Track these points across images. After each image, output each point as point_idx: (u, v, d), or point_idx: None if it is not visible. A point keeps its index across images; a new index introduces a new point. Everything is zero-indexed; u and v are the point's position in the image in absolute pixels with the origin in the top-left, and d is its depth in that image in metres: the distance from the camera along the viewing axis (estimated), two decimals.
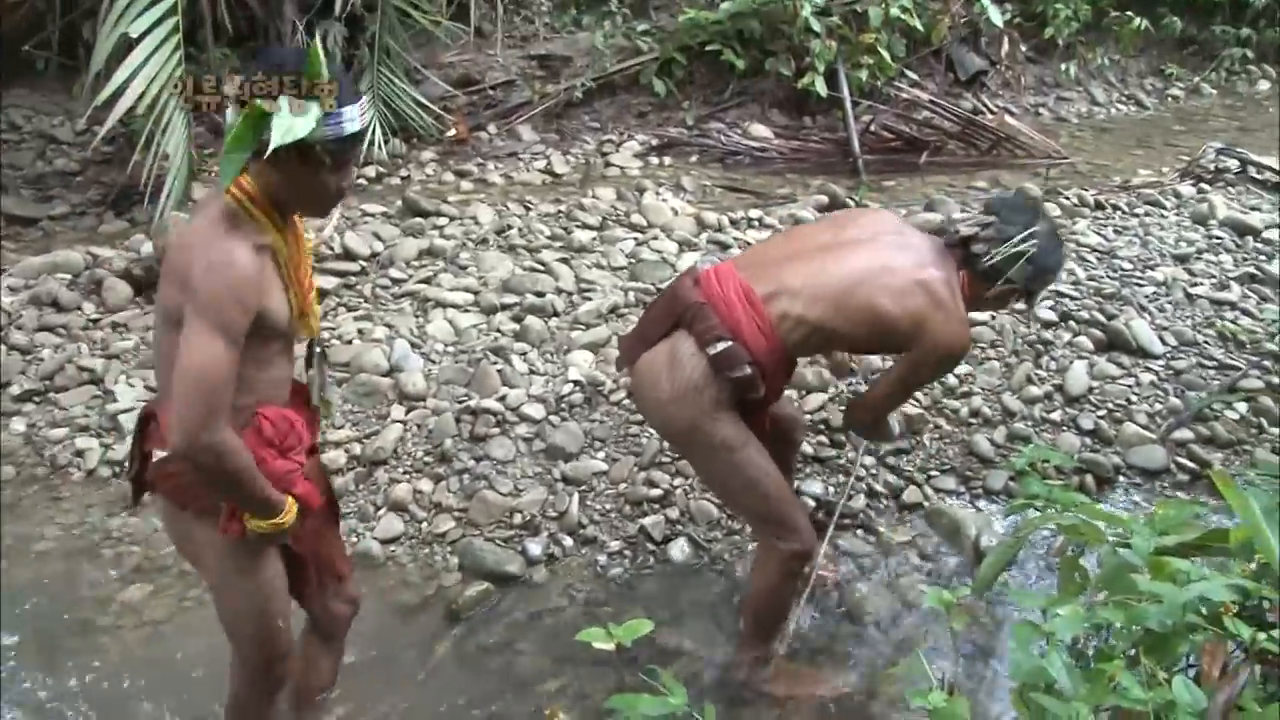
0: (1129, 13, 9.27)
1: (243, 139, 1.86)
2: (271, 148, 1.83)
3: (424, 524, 3.52)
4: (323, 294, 4.55)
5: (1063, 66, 9.14)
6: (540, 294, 4.64)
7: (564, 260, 5.04)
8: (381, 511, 3.55)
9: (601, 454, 3.77)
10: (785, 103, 7.78)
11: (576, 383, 4.02)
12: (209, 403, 1.91)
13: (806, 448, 3.76)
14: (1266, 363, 4.29)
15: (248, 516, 2.07)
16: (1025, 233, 2.71)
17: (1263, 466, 3.65)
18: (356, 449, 3.78)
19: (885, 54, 7.48)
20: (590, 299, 4.65)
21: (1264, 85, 9.86)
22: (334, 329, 4.38)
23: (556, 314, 4.53)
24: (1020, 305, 3.04)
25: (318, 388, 2.36)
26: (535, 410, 3.88)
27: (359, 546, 3.37)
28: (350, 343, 4.27)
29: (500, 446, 3.74)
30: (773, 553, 2.78)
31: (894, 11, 7.34)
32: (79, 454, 3.84)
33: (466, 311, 4.55)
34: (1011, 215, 2.77)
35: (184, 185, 5.32)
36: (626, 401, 3.94)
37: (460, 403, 3.91)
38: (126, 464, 2.33)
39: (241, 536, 2.11)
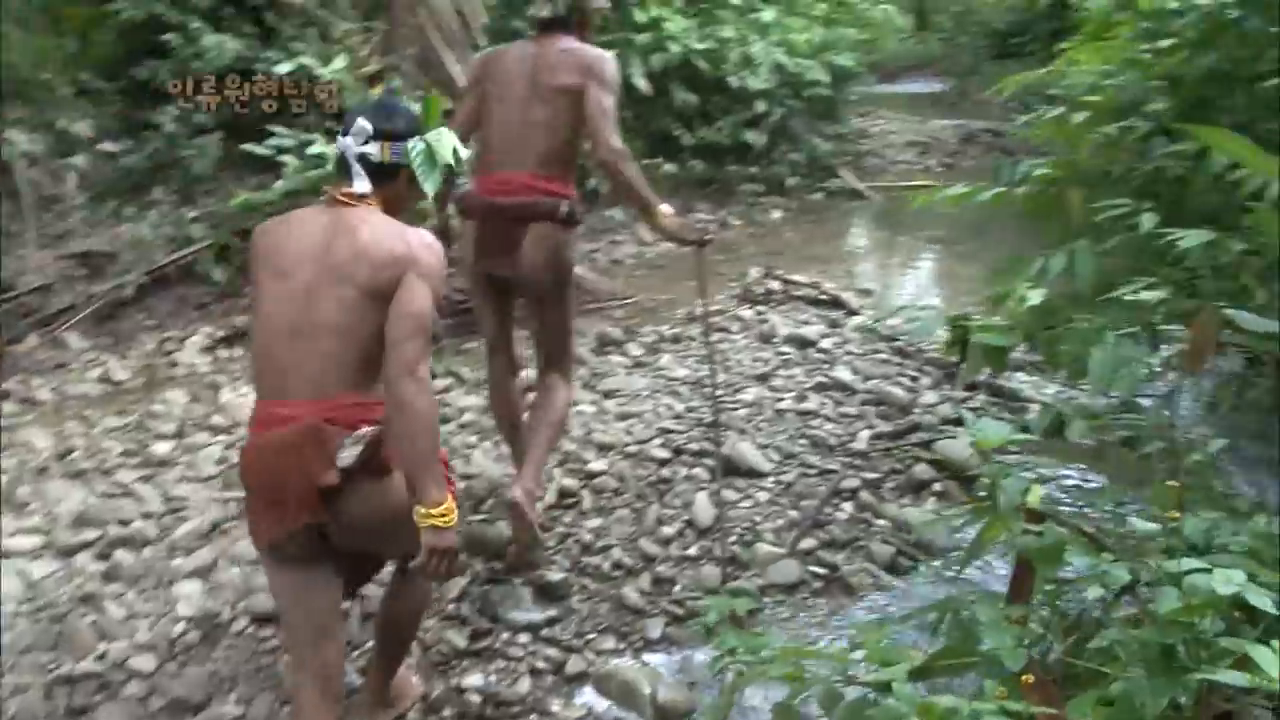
0: (659, 159, 10.14)
1: (440, 154, 2.65)
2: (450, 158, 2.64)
3: None
4: None
5: (607, 213, 9.78)
6: (126, 522, 4.10)
7: (145, 479, 4.50)
8: None
9: (233, 695, 3.30)
10: None
11: (189, 619, 3.54)
12: (428, 344, 2.30)
13: (459, 640, 3.53)
14: (856, 462, 4.68)
15: (422, 512, 2.34)
16: None
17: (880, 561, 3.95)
18: None
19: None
20: (186, 519, 4.15)
21: (776, 213, 11.13)
22: None
23: (150, 543, 4.00)
24: None
25: None
26: (145, 662, 3.35)
27: None
28: None
29: (110, 715, 3.16)
30: (564, 386, 3.94)
31: None
32: None
33: (38, 558, 3.90)
34: None
35: None
36: (251, 630, 3.51)
37: (49, 671, 3.30)
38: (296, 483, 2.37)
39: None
